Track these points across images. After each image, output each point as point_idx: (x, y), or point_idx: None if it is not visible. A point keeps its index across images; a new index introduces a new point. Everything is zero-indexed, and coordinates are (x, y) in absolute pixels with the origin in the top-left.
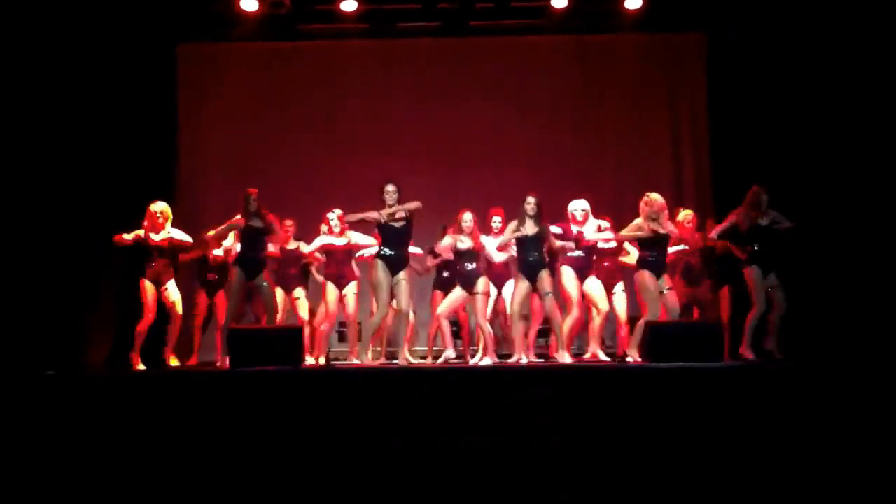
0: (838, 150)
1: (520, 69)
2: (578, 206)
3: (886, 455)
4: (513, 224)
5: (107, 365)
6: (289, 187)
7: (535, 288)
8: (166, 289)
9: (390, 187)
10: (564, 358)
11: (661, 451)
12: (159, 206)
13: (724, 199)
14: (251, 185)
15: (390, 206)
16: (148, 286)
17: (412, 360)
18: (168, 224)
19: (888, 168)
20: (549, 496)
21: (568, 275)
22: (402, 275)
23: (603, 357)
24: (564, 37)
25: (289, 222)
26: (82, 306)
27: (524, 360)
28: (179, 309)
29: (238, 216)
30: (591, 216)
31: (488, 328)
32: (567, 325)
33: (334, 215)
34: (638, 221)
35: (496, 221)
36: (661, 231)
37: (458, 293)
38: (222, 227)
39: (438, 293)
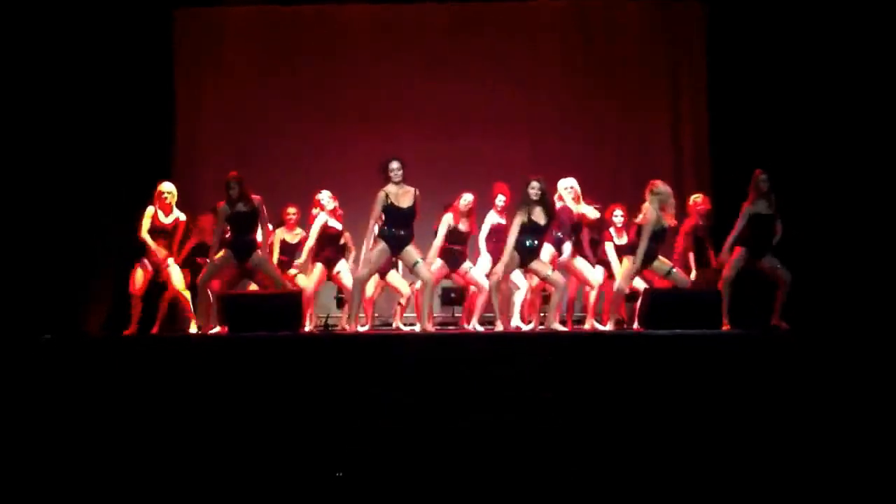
0: (839, 123)
1: (520, 37)
2: (567, 185)
3: (879, 421)
4: (518, 219)
5: (104, 329)
6: (288, 156)
7: (522, 266)
8: (167, 266)
9: (395, 164)
10: (557, 326)
11: (656, 417)
12: (167, 188)
13: (723, 173)
14: (249, 153)
15: (396, 183)
16: (139, 273)
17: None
18: (174, 204)
19: (889, 143)
20: (546, 465)
21: (545, 253)
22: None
23: (600, 328)
24: (565, 4)
25: (292, 210)
26: (81, 271)
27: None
28: (181, 286)
29: (220, 204)
30: (580, 196)
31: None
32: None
33: (325, 196)
34: (651, 216)
35: (500, 200)
36: (669, 223)
37: (439, 268)
38: (217, 227)
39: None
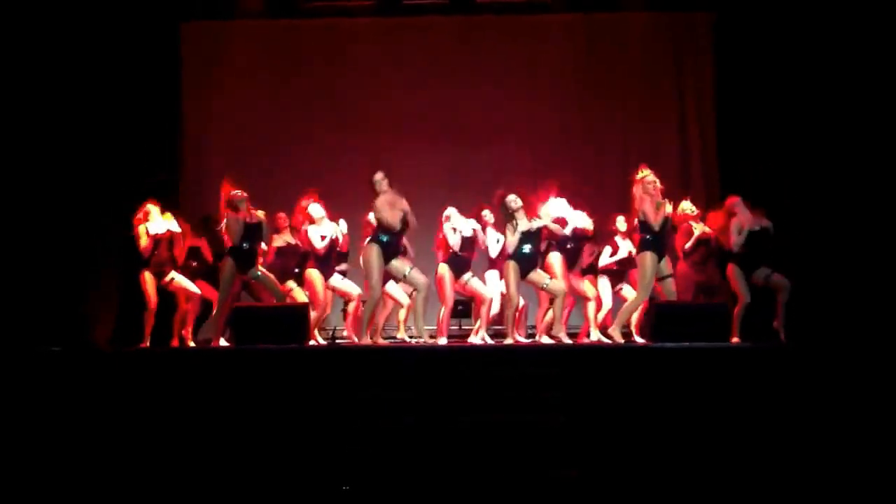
0: (844, 130)
1: (526, 47)
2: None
3: (883, 434)
4: (510, 232)
5: (111, 342)
6: (293, 166)
7: (523, 277)
8: (172, 279)
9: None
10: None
11: (664, 429)
12: (150, 208)
13: (730, 179)
14: (255, 163)
15: (383, 192)
16: (148, 277)
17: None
18: (161, 216)
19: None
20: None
21: (556, 261)
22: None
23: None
24: (572, 15)
25: (281, 215)
26: (86, 284)
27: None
28: (186, 296)
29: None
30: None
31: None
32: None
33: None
34: (646, 209)
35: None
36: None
37: (450, 278)
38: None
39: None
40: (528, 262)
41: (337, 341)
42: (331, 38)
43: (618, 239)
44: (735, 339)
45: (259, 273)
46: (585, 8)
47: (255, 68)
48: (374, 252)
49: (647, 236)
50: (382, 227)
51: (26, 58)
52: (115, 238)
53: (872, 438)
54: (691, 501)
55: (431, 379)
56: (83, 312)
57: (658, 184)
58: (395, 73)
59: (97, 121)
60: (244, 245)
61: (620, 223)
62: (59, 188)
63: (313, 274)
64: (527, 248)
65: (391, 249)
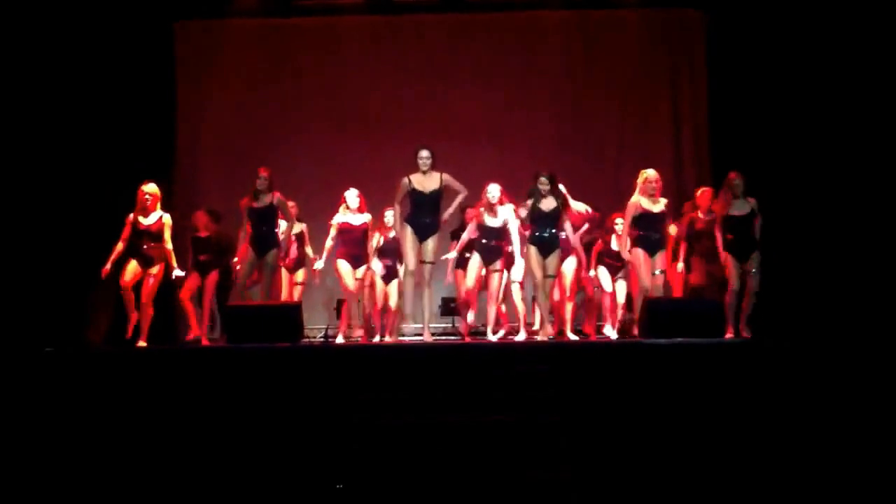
0: (836, 128)
1: (520, 45)
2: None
3: (872, 428)
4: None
5: (106, 341)
6: (287, 164)
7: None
8: (152, 274)
9: (424, 153)
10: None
11: (658, 425)
12: (149, 189)
13: (722, 177)
14: (249, 162)
15: (424, 172)
16: (131, 266)
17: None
18: (158, 205)
19: (887, 148)
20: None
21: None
22: (430, 244)
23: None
24: (564, 12)
25: (290, 204)
26: (81, 283)
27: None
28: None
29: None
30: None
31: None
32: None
33: (352, 194)
34: (633, 200)
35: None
36: (655, 209)
37: (475, 264)
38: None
39: (459, 272)
40: (548, 247)
41: (329, 340)
42: (325, 36)
43: (613, 238)
44: (729, 333)
45: (269, 263)
46: (579, 5)
47: (249, 66)
48: (409, 231)
49: (641, 233)
50: None
51: (19, 59)
52: (111, 233)
53: (866, 434)
54: (686, 499)
55: (428, 376)
56: (79, 309)
57: (653, 179)
58: (389, 70)
59: (91, 119)
60: (259, 231)
61: (618, 225)
62: (53, 187)
63: (340, 263)
64: (545, 232)
65: (425, 229)
